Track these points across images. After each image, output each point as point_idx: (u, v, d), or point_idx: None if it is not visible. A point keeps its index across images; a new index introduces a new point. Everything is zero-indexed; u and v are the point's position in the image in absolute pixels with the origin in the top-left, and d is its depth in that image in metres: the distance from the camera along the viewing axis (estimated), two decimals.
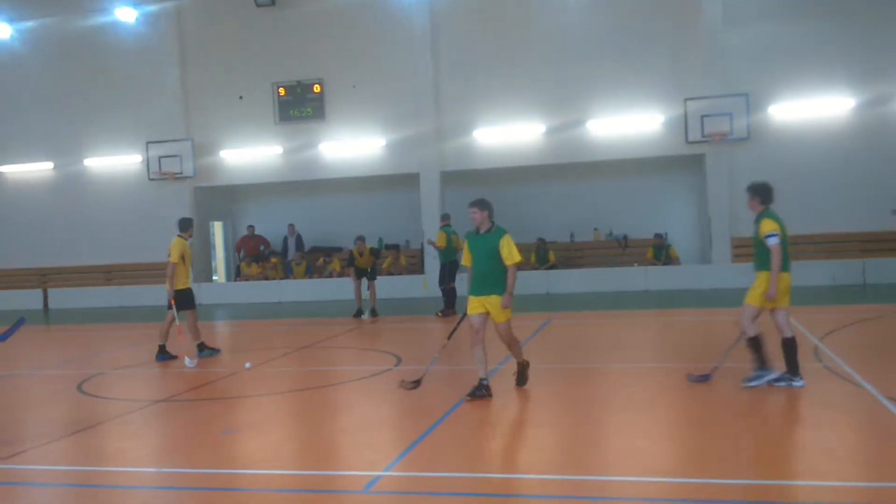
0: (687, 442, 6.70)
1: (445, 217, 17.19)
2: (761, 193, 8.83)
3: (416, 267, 22.78)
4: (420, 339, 14.12)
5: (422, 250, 22.15)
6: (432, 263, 21.28)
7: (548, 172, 22.30)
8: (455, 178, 22.45)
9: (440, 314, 16.17)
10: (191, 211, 23.85)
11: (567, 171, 22.26)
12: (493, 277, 8.31)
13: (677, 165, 21.70)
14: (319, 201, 24.37)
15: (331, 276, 22.46)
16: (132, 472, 6.51)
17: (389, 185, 23.20)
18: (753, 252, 8.63)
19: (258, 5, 22.49)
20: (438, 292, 17.06)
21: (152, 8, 23.33)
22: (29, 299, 24.24)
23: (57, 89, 24.61)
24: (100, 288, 24.29)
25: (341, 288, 20.68)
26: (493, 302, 8.29)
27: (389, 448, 6.86)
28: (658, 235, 20.98)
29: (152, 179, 23.69)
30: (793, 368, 8.27)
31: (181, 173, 23.38)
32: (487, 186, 22.97)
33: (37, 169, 25.13)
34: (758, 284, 8.48)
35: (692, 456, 6.24)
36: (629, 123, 20.73)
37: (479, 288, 8.38)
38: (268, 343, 14.19)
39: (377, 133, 22.45)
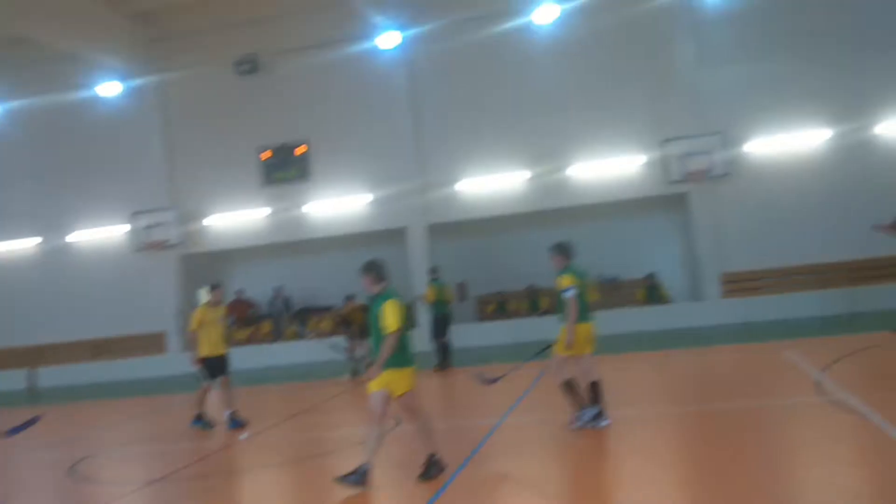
0: (706, 483, 6.62)
1: (434, 270, 17.19)
2: (563, 251, 9.64)
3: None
4: (420, 394, 13.95)
5: (412, 305, 22.03)
6: (423, 318, 21.24)
7: (534, 219, 22.40)
8: (442, 231, 22.54)
9: (437, 369, 16.06)
10: (178, 279, 23.79)
11: (552, 217, 22.34)
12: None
13: (661, 205, 21.87)
14: (307, 261, 24.36)
15: (320, 336, 22.27)
16: None
17: (376, 241, 23.15)
18: (556, 305, 9.33)
19: (239, 74, 22.72)
20: (431, 347, 16.95)
21: (136, 81, 23.49)
22: (13, 380, 23.72)
23: (42, 164, 24.74)
24: (88, 364, 23.98)
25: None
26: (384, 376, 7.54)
27: None
28: (649, 276, 21.04)
29: (139, 250, 23.62)
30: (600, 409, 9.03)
31: (168, 242, 23.34)
32: (475, 236, 23.17)
33: (22, 246, 25.05)
34: (560, 336, 9.12)
35: (715, 498, 6.16)
36: (611, 166, 20.95)
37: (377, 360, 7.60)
38: (264, 409, 14.01)
39: (362, 190, 22.56)
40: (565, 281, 9.06)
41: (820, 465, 6.80)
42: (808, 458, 7.13)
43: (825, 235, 19.77)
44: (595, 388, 9.13)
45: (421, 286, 21.11)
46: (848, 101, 19.80)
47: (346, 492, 7.52)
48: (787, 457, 7.33)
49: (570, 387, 9.17)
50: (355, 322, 16.57)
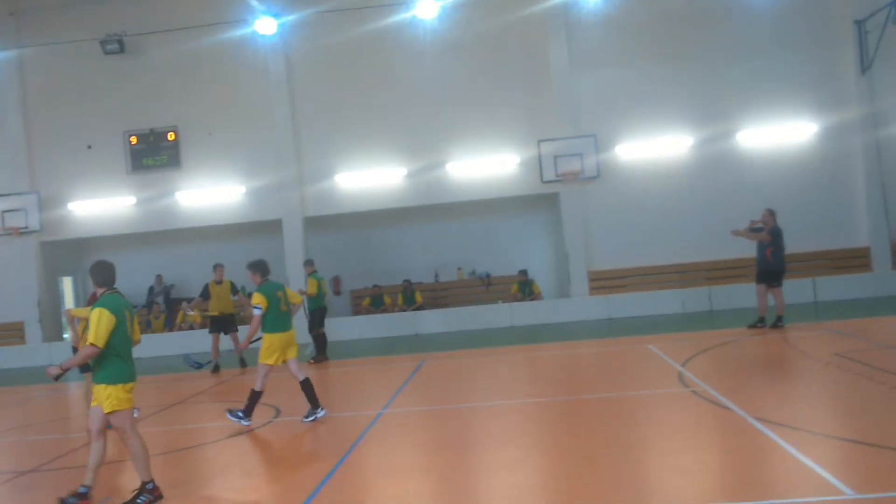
0: (571, 474, 6.95)
1: (310, 263, 17.08)
2: (258, 269, 10.23)
3: None
4: (295, 387, 13.88)
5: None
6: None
7: (410, 214, 22.62)
8: (318, 224, 22.42)
9: (312, 361, 16.02)
10: (38, 267, 22.62)
11: (429, 213, 22.65)
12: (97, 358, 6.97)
13: (534, 204, 22.50)
14: (180, 251, 23.64)
15: (192, 327, 21.73)
16: None
17: (252, 232, 22.82)
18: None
19: (106, 53, 21.80)
20: (309, 339, 16.85)
21: None
22: None
23: None
24: None
25: (205, 339, 20.18)
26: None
27: (285, 502, 6.78)
28: (522, 272, 21.66)
29: None
30: (314, 403, 9.96)
31: (26, 228, 22.17)
32: (351, 230, 23.18)
33: None
34: (263, 347, 9.91)
35: (580, 488, 6.49)
36: (487, 165, 21.38)
37: None
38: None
39: (237, 180, 22.12)
40: (256, 299, 9.80)
41: (683, 451, 7.26)
42: (671, 444, 7.60)
43: (687, 237, 20.86)
44: (305, 385, 10.00)
45: (296, 279, 20.99)
46: (711, 108, 20.89)
47: (229, 480, 7.47)
48: (650, 442, 7.79)
49: (255, 395, 9.94)
50: (216, 295, 16.33)
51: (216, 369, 16.12)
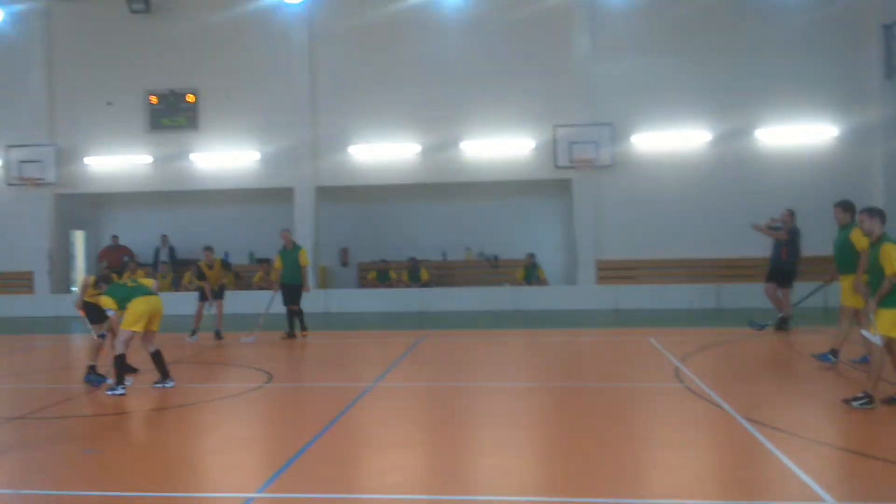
0: (552, 460, 6.93)
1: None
2: (106, 280, 10.63)
3: None
4: (290, 355, 13.94)
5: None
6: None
7: (421, 191, 22.57)
8: (329, 194, 22.42)
9: (285, 336, 15.27)
10: (51, 219, 22.80)
11: (440, 191, 22.60)
12: None
13: (546, 189, 22.39)
14: (191, 213, 23.75)
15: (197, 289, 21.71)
16: None
17: (263, 198, 22.85)
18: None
19: (132, 11, 21.82)
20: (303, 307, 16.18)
21: (20, 7, 22.23)
22: None
23: None
24: None
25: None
26: None
27: (262, 468, 6.79)
28: (530, 255, 21.58)
29: (11, 185, 22.50)
30: (164, 373, 10.30)
31: (42, 179, 22.30)
32: (361, 203, 23.14)
33: None
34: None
35: (559, 474, 6.46)
36: (502, 146, 21.28)
37: None
38: (132, 359, 13.65)
39: (252, 146, 22.14)
40: (105, 302, 10.00)
41: (671, 445, 7.21)
42: (661, 438, 7.55)
43: (698, 232, 20.71)
44: (155, 356, 10.29)
45: (305, 247, 20.96)
46: (731, 104, 20.68)
47: (213, 441, 7.48)
48: (640, 435, 7.74)
49: (120, 360, 10.02)
50: (210, 279, 15.44)
51: (193, 334, 15.39)
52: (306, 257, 15.63)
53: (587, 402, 9.14)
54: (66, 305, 21.79)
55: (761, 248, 15.80)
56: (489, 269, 22.70)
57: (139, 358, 11.02)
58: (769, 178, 20.39)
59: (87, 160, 22.66)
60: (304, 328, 15.27)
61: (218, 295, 15.56)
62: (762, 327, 14.44)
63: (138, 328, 9.95)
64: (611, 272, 21.26)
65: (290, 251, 15.43)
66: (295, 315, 15.26)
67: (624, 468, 6.54)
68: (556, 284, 22.09)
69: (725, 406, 8.45)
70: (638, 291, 20.69)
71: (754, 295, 16.93)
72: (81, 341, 17.27)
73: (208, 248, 15.86)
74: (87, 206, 24.10)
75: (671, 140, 20.96)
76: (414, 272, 22.02)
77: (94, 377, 10.74)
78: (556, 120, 20.84)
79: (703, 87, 20.75)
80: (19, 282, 22.94)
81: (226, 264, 16.43)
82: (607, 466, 6.54)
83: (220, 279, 15.68)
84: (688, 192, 20.85)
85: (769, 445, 6.90)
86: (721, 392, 9.13)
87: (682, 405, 8.84)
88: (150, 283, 10.58)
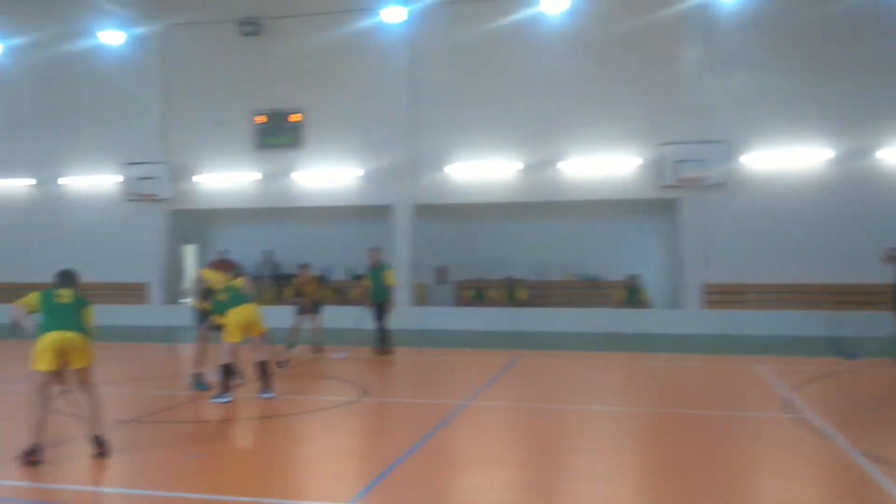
0: (649, 488, 6.66)
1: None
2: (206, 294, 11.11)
3: None
4: (384, 370, 13.99)
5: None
6: (401, 295, 21.24)
7: (519, 210, 22.41)
8: (428, 212, 22.49)
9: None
10: (165, 233, 23.78)
11: (539, 210, 22.38)
12: None
13: (650, 209, 21.90)
14: (292, 229, 24.31)
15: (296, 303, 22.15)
16: (104, 494, 6.36)
17: (362, 215, 23.17)
18: None
19: (243, 34, 22.56)
20: (397, 324, 16.37)
21: (138, 30, 23.32)
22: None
23: (41, 107, 24.51)
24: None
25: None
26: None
27: (357, 479, 6.78)
28: (631, 277, 21.09)
29: (129, 201, 23.53)
30: (267, 384, 10.45)
31: (157, 196, 23.25)
32: (459, 220, 23.17)
33: (17, 184, 24.97)
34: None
35: (656, 502, 6.21)
36: (605, 165, 20.92)
37: None
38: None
39: (353, 164, 22.49)
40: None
41: (775, 476, 6.84)
42: (765, 470, 7.17)
43: (813, 256, 19.71)
44: (260, 367, 10.46)
45: (402, 264, 21.30)
46: (852, 122, 19.67)
47: (309, 450, 7.54)
48: (744, 466, 7.36)
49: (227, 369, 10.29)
50: (306, 294, 15.79)
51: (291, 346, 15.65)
52: (392, 277, 15.87)
53: (688, 430, 8.78)
54: (178, 316, 22.78)
55: (880, 274, 14.92)
56: (588, 290, 22.31)
57: (243, 368, 11.24)
58: (891, 202, 19.35)
59: (197, 177, 23.50)
60: (387, 346, 15.39)
61: (313, 309, 15.81)
62: (855, 357, 13.58)
63: (237, 338, 10.27)
64: (718, 296, 20.53)
65: (377, 270, 15.76)
66: (382, 333, 15.46)
67: (726, 499, 6.23)
68: (659, 308, 21.50)
69: (840, 439, 7.97)
70: (747, 317, 19.90)
71: (876, 323, 16.05)
72: (190, 350, 17.83)
73: (303, 266, 16.26)
74: (197, 222, 24.97)
75: (787, 158, 20.10)
76: (511, 291, 21.85)
77: (200, 384, 11.11)
78: (661, 137, 20.38)
79: (823, 102, 19.74)
80: (134, 293, 23.89)
81: (323, 280, 16.78)
82: (707, 498, 6.25)
83: (316, 294, 15.95)
84: (803, 213, 19.92)
85: (887, 482, 6.46)
86: (835, 424, 8.62)
87: (791, 437, 8.38)
88: (239, 283, 10.91)
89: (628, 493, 6.54)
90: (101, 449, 7.29)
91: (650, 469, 7.24)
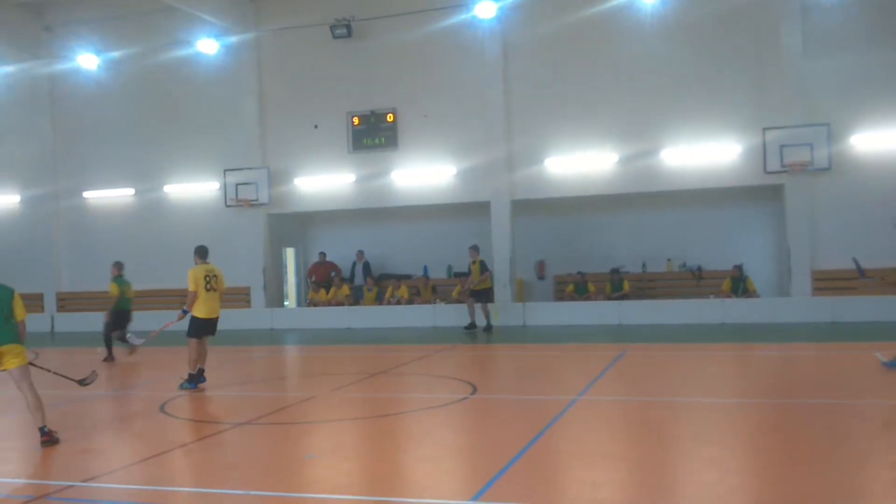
0: (769, 480, 6.43)
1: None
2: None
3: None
4: (491, 367, 13.99)
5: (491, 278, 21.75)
6: (501, 292, 21.23)
7: (619, 201, 22.06)
8: (525, 207, 22.37)
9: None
10: (265, 237, 24.27)
11: (639, 201, 21.99)
12: None
13: (754, 196, 21.25)
14: (387, 228, 24.58)
15: (399, 303, 22.46)
16: (220, 494, 6.53)
17: (457, 213, 23.21)
18: None
19: (335, 37, 22.87)
20: (499, 321, 16.91)
21: (233, 39, 23.94)
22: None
23: (139, 118, 25.39)
24: (175, 311, 24.56)
25: (410, 315, 21.05)
26: None
27: (475, 477, 6.77)
28: (737, 267, 20.48)
29: (229, 206, 24.18)
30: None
31: (257, 200, 23.82)
32: (557, 215, 22.95)
33: (118, 195, 25.90)
34: None
35: (777, 495, 5.99)
36: (705, 153, 20.37)
37: None
38: (340, 368, 14.23)
39: (448, 162, 22.53)
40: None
41: (890, 467, 6.53)
42: (881, 460, 6.85)
43: None
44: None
45: (501, 261, 21.30)
46: None
47: (424, 448, 7.59)
48: (864, 455, 7.03)
49: None
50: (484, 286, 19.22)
51: (471, 326, 19.22)
52: (478, 269, 19.38)
53: (807, 420, 8.45)
54: (280, 318, 23.37)
55: None
56: (692, 281, 21.78)
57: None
58: None
59: (296, 181, 23.97)
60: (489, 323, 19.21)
61: (485, 298, 19.61)
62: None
63: None
64: (828, 283, 19.77)
65: (474, 264, 19.41)
66: (484, 311, 19.28)
67: (854, 492, 5.97)
68: (767, 296, 20.83)
69: None
70: (860, 303, 19.07)
71: None
72: (296, 352, 18.23)
73: (473, 247, 19.59)
74: (295, 224, 25.48)
75: (893, 139, 19.21)
76: (616, 283, 21.51)
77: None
78: (764, 122, 19.72)
79: None
80: (238, 296, 24.53)
81: (482, 264, 19.46)
82: (836, 489, 6.00)
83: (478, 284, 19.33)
84: None
85: None
86: None
87: None
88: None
89: (747, 484, 6.33)
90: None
91: (768, 461, 6.98)
